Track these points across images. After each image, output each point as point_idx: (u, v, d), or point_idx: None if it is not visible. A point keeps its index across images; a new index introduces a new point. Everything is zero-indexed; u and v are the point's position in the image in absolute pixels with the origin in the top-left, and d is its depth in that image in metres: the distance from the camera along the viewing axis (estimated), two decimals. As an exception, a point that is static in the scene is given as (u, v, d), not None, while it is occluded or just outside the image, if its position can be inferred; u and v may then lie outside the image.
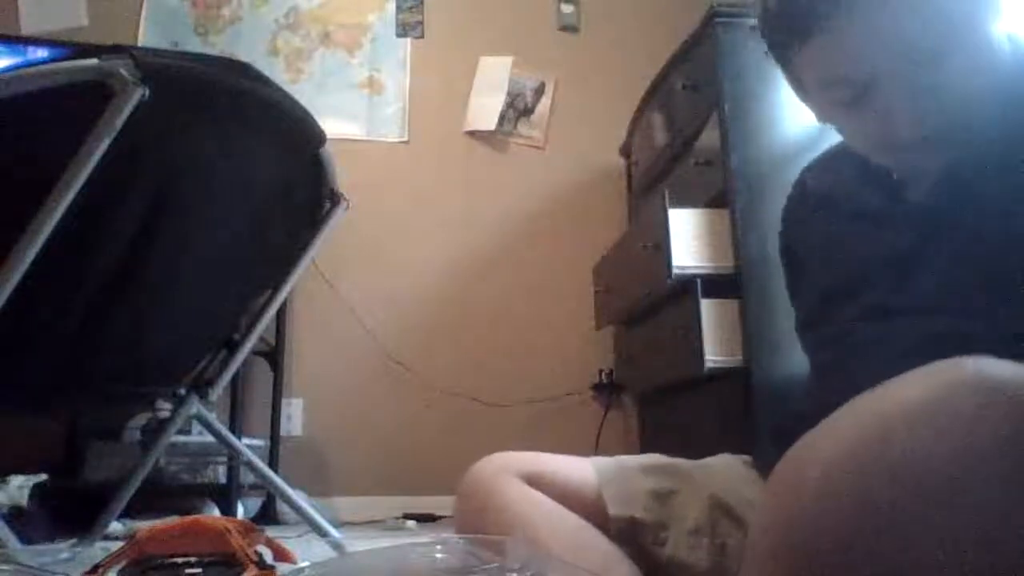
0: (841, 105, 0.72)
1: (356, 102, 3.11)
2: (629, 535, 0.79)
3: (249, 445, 2.15)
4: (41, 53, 2.70)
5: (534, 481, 0.81)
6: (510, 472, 0.82)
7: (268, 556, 0.89)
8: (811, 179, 0.94)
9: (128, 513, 1.79)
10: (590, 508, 0.80)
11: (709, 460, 0.89)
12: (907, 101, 0.67)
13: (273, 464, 2.58)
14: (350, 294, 2.91)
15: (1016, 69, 0.72)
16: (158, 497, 2.12)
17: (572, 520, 0.79)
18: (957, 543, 0.42)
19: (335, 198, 1.70)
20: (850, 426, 0.47)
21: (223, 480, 2.38)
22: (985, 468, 0.42)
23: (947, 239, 0.71)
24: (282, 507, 2.44)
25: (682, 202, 2.02)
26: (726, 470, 0.85)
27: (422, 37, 3.22)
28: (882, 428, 0.45)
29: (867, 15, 0.66)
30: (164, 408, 1.93)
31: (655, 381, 2.45)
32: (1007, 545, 0.42)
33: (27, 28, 2.86)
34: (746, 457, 0.87)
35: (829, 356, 0.81)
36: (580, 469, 0.85)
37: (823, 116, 0.78)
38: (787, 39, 0.73)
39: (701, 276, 1.93)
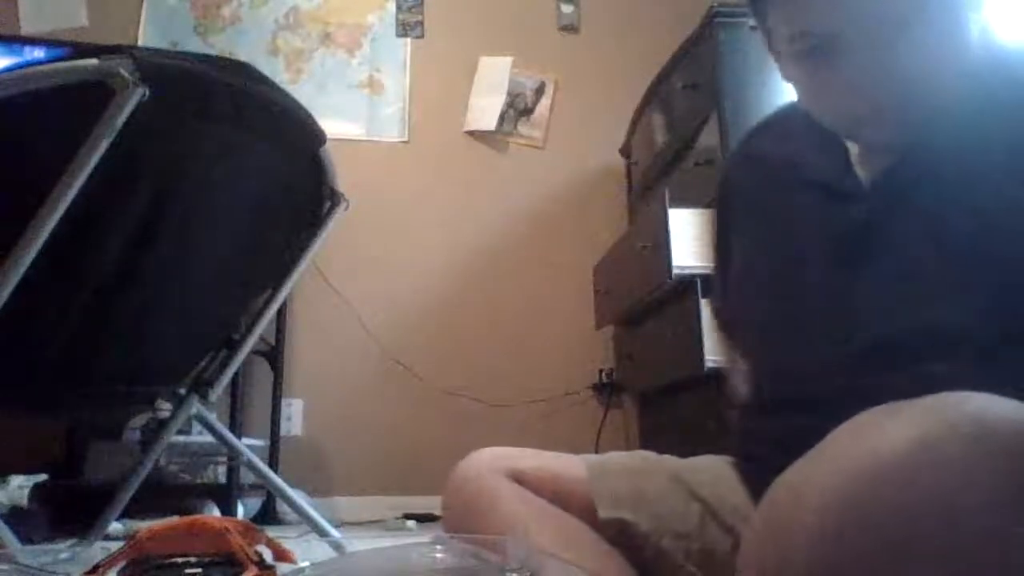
0: (804, 58, 0.72)
1: (356, 102, 3.12)
2: (619, 535, 0.79)
3: (249, 445, 2.15)
4: (38, 53, 2.69)
5: (522, 478, 0.81)
6: (498, 469, 0.82)
7: (268, 556, 0.89)
8: (757, 142, 0.93)
9: (128, 513, 1.79)
10: (580, 505, 0.80)
11: (696, 461, 0.87)
12: (866, 61, 0.68)
13: (273, 464, 2.58)
14: (350, 294, 2.91)
15: (985, 58, 0.72)
16: (158, 497, 2.12)
17: (562, 517, 0.79)
18: None
19: (335, 198, 1.70)
20: (844, 467, 0.46)
21: (223, 480, 2.38)
22: (981, 512, 0.42)
23: (904, 219, 0.70)
24: (282, 507, 2.44)
25: (682, 202, 2.02)
26: (714, 473, 0.84)
27: (422, 37, 3.22)
28: (877, 470, 0.44)
29: None
30: (164, 408, 1.92)
31: (655, 381, 2.45)
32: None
33: (27, 28, 2.86)
34: (729, 458, 0.86)
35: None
36: (569, 466, 0.84)
37: (786, 73, 0.77)
38: None
39: (701, 276, 1.93)
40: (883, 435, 0.46)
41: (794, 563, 0.45)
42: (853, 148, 0.77)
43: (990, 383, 0.59)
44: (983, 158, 0.67)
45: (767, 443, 0.78)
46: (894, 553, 0.42)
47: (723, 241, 0.96)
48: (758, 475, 0.70)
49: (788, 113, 0.88)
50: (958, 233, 0.66)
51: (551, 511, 0.79)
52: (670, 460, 0.87)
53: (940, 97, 0.70)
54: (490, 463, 0.83)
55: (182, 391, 1.70)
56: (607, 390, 2.95)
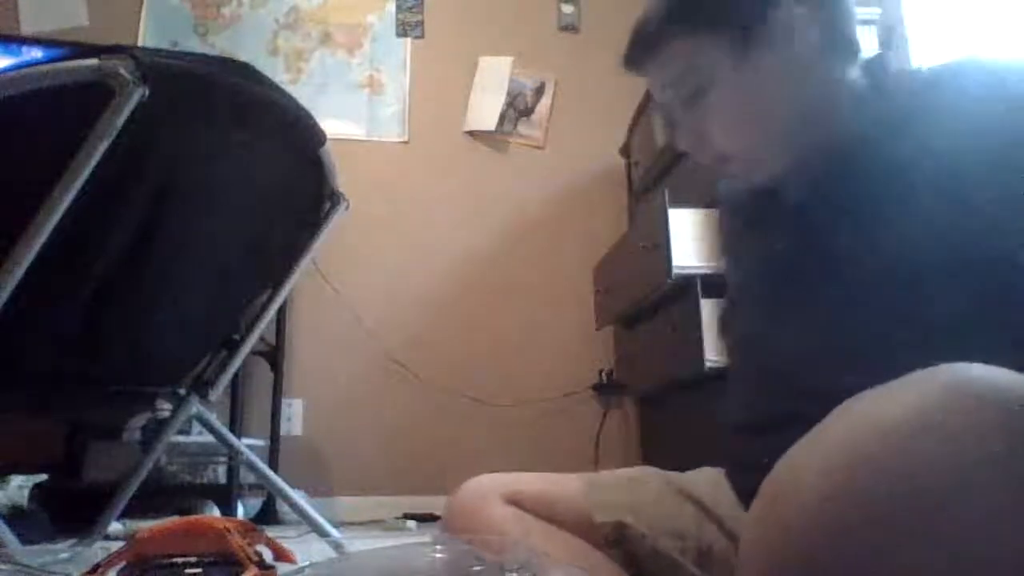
0: (679, 104, 0.81)
1: (356, 102, 3.12)
2: (617, 540, 0.79)
3: (249, 445, 2.15)
4: (36, 53, 2.69)
5: (518, 501, 0.82)
6: (494, 494, 0.82)
7: (268, 556, 0.89)
8: (724, 190, 0.99)
9: (128, 513, 1.79)
10: (576, 522, 0.81)
11: (691, 472, 0.89)
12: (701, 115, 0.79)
13: (273, 464, 2.58)
14: (350, 294, 2.91)
15: (881, 84, 0.77)
16: (158, 497, 2.12)
17: (558, 535, 0.80)
18: (956, 556, 0.41)
19: (335, 198, 1.70)
20: (842, 440, 0.46)
21: (223, 480, 2.38)
22: (979, 478, 0.42)
23: (821, 238, 0.74)
24: (282, 507, 2.44)
25: (682, 202, 2.02)
26: (708, 479, 0.85)
27: (422, 37, 3.22)
28: (876, 439, 0.44)
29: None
30: (164, 408, 1.93)
31: (655, 381, 2.45)
32: (1005, 555, 0.41)
33: (27, 28, 2.86)
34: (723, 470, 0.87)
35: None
36: (563, 485, 0.85)
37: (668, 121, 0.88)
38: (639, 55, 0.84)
39: (701, 276, 1.93)
40: (881, 406, 0.46)
41: (795, 537, 0.45)
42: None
43: None
44: (904, 176, 0.70)
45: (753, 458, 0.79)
46: (896, 521, 0.42)
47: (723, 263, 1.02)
48: (744, 483, 0.70)
49: None
50: (875, 241, 0.69)
51: (547, 529, 0.80)
52: (665, 472, 0.89)
53: (790, 141, 0.77)
54: (485, 489, 0.84)
55: (182, 391, 1.70)
56: (607, 390, 2.95)
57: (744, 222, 0.92)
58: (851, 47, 0.77)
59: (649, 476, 0.87)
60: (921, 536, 0.42)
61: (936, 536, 0.41)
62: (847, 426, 0.47)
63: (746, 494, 0.77)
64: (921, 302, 0.65)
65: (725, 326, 0.94)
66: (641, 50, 0.82)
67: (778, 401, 0.73)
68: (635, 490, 0.83)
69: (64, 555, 1.52)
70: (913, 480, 0.42)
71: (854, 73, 0.77)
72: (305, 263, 1.75)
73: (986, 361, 0.47)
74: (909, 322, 0.64)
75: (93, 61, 1.20)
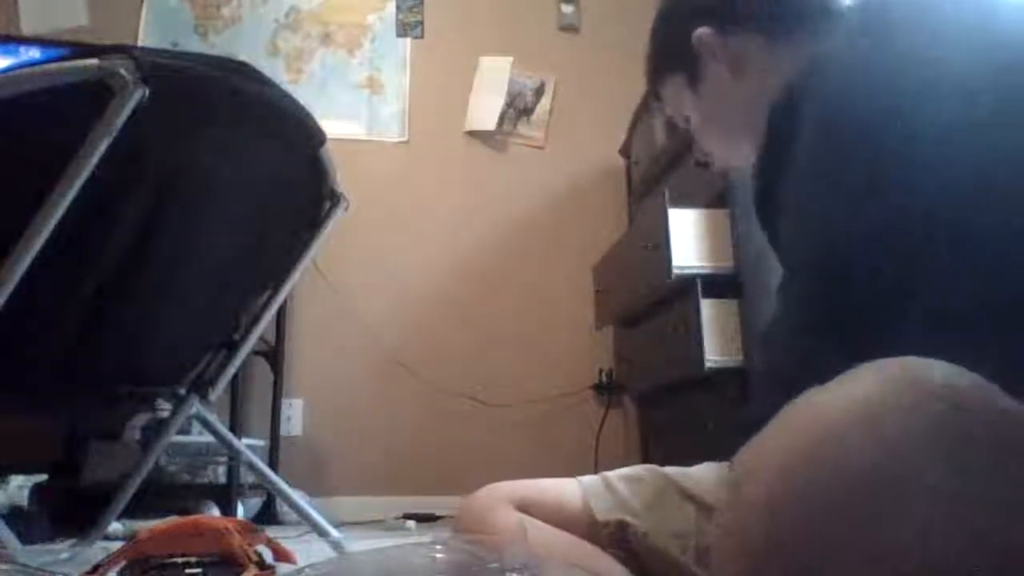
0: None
1: (356, 102, 3.12)
2: (619, 538, 0.80)
3: (249, 445, 2.15)
4: (34, 53, 2.69)
5: (525, 506, 0.84)
6: (502, 501, 0.84)
7: (268, 556, 0.89)
8: None
9: (128, 513, 1.79)
10: (580, 524, 0.82)
11: (691, 468, 0.90)
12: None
13: (273, 464, 2.58)
14: (350, 294, 2.91)
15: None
16: (158, 497, 2.11)
17: (564, 537, 0.81)
18: (906, 535, 0.42)
19: (335, 198, 1.70)
20: (789, 436, 0.47)
21: (223, 480, 2.38)
22: (919, 468, 0.43)
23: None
24: (282, 507, 2.44)
25: (682, 202, 2.02)
26: (709, 476, 0.86)
27: (422, 37, 3.22)
28: (817, 434, 0.45)
29: None
30: (164, 408, 1.93)
31: (655, 381, 2.45)
32: (956, 530, 0.42)
33: (27, 28, 2.86)
34: (727, 464, 0.88)
35: None
36: (567, 488, 0.87)
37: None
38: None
39: (701, 276, 1.93)
40: (823, 402, 0.47)
41: (752, 536, 0.45)
42: None
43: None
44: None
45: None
46: (839, 516, 0.43)
47: None
48: None
49: None
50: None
51: (553, 533, 0.82)
52: (666, 468, 0.90)
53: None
54: (493, 496, 0.86)
55: (182, 391, 1.70)
56: (607, 390, 2.95)
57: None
58: (806, 20, 0.77)
59: (650, 474, 0.88)
60: (865, 522, 0.42)
61: (880, 524, 0.42)
62: (797, 417, 0.48)
63: None
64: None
65: None
66: (650, 88, 0.99)
67: None
68: (636, 489, 0.84)
69: (64, 555, 1.52)
70: (850, 469, 0.43)
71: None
72: (305, 263, 1.75)
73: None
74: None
75: (93, 61, 1.20)
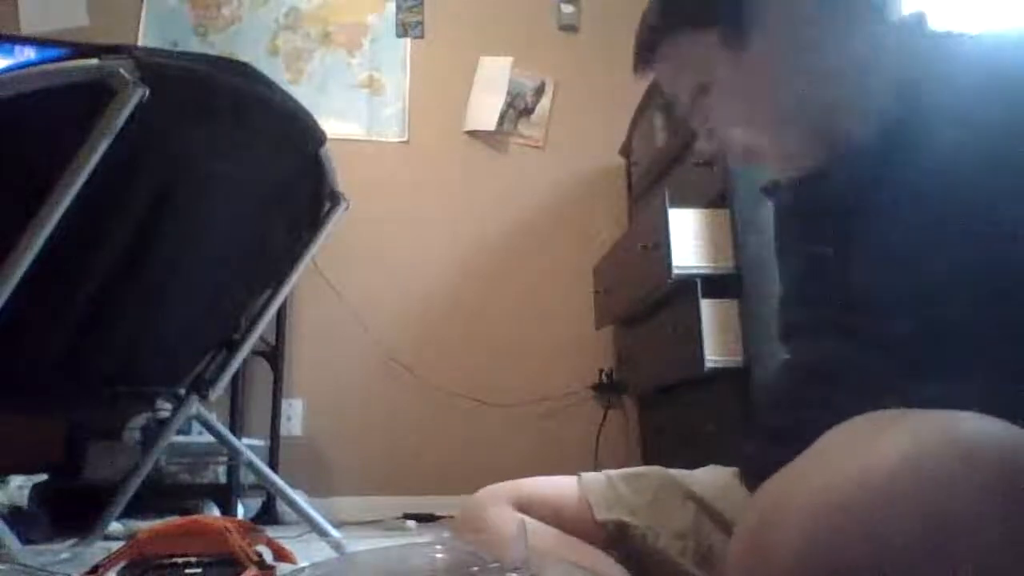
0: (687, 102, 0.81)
1: (356, 102, 3.12)
2: (618, 538, 0.80)
3: (249, 445, 2.15)
4: (30, 53, 2.69)
5: (525, 506, 0.83)
6: (502, 501, 0.84)
7: (268, 556, 0.89)
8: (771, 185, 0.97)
9: (128, 513, 1.79)
10: (580, 523, 0.82)
11: (696, 470, 0.89)
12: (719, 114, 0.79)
13: (273, 464, 2.58)
14: (350, 294, 2.91)
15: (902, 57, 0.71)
16: (158, 497, 2.12)
17: (563, 539, 0.81)
18: None
19: (335, 198, 1.70)
20: (831, 478, 0.45)
21: (223, 480, 2.38)
22: (968, 534, 0.41)
23: (862, 230, 0.71)
24: (282, 507, 2.44)
25: (682, 202, 2.02)
26: (710, 477, 0.86)
27: (422, 37, 3.22)
28: (862, 488, 0.43)
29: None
30: (164, 408, 1.93)
31: (655, 381, 2.44)
32: None
33: (27, 28, 2.86)
34: (734, 469, 0.87)
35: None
36: (567, 487, 0.86)
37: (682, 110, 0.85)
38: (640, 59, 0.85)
39: (701, 276, 1.93)
40: (870, 452, 0.45)
41: (775, 571, 0.44)
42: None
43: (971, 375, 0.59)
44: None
45: (765, 436, 0.79)
46: (877, 573, 0.42)
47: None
48: (757, 468, 0.70)
49: None
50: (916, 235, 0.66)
51: (552, 533, 0.81)
52: (669, 470, 0.89)
53: (808, 127, 0.73)
54: (493, 496, 0.85)
55: (182, 391, 1.70)
56: (607, 390, 2.95)
57: (791, 213, 0.88)
58: (864, 7, 0.72)
59: (651, 474, 0.87)
60: None
61: None
62: (838, 464, 0.46)
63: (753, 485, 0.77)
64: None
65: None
66: (641, 54, 0.82)
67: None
68: (636, 489, 0.84)
69: (64, 555, 1.52)
70: (890, 544, 0.41)
71: (885, 36, 0.71)
72: (305, 263, 1.75)
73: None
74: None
75: (93, 61, 1.20)
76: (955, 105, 0.65)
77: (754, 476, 0.79)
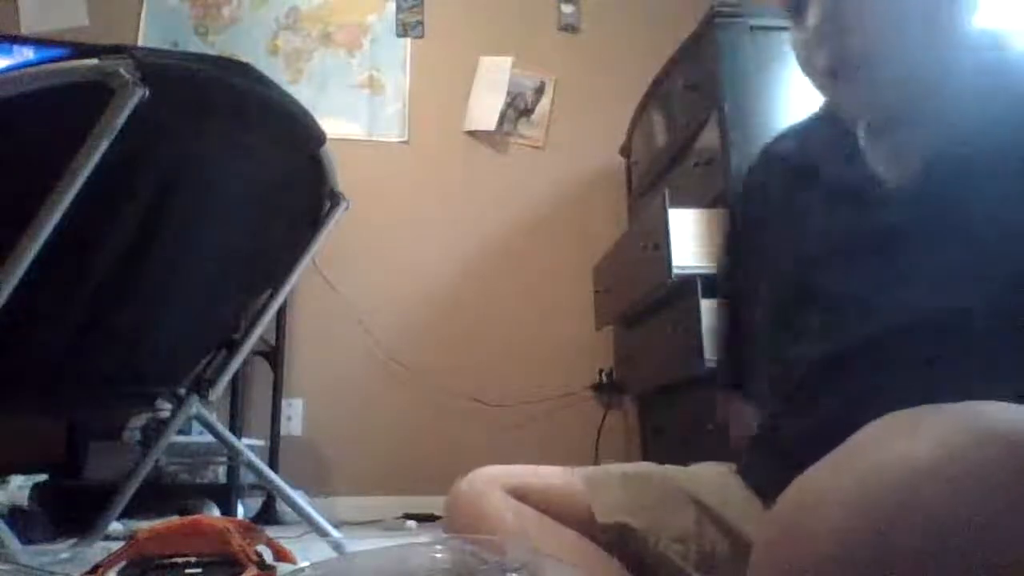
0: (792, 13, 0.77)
1: (356, 102, 3.12)
2: (619, 541, 0.79)
3: (249, 445, 2.15)
4: (28, 53, 2.69)
5: (521, 494, 0.81)
6: (497, 486, 0.81)
7: (268, 556, 0.89)
8: (777, 147, 0.94)
9: (128, 513, 1.79)
10: (579, 518, 0.80)
11: (693, 468, 0.88)
12: (829, 10, 0.73)
13: (273, 464, 2.58)
14: (350, 294, 2.91)
15: (992, 62, 0.73)
16: (158, 497, 2.12)
17: (561, 531, 0.79)
18: None
19: (335, 198, 1.70)
20: (868, 478, 0.45)
21: (223, 480, 2.38)
22: (1013, 526, 0.41)
23: (935, 224, 0.70)
24: (282, 507, 2.44)
25: (682, 202, 2.02)
26: (712, 477, 0.85)
27: (422, 37, 3.22)
28: (902, 482, 0.43)
29: None
30: (164, 408, 1.93)
31: (655, 381, 2.44)
32: None
33: (27, 28, 2.86)
34: (731, 464, 0.87)
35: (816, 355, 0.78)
36: (566, 480, 0.84)
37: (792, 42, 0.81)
38: None
39: (701, 276, 1.93)
40: (909, 445, 0.45)
41: (809, 567, 0.44)
42: (873, 151, 0.78)
43: (989, 369, 0.59)
44: (1009, 148, 0.68)
45: (777, 440, 0.79)
46: (919, 567, 0.42)
47: (738, 230, 0.99)
48: (769, 478, 0.70)
49: (809, 123, 0.91)
50: (986, 225, 0.67)
51: (550, 525, 0.80)
52: (667, 468, 0.88)
53: (919, 64, 0.73)
54: (488, 480, 0.83)
55: (182, 391, 1.70)
56: (607, 390, 2.95)
57: (787, 196, 0.87)
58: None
59: (651, 474, 0.86)
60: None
61: None
62: (870, 460, 0.46)
63: (764, 490, 0.76)
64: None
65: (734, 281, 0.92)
66: None
67: (872, 375, 0.71)
68: (636, 490, 0.83)
69: (64, 555, 1.52)
70: (936, 529, 0.42)
71: (970, 29, 0.74)
72: (305, 263, 1.75)
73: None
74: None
75: (93, 61, 1.20)
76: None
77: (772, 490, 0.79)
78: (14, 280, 1.21)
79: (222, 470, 2.39)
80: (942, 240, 0.69)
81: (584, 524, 0.80)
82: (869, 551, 0.42)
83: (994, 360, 0.63)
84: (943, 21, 0.73)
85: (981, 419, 0.45)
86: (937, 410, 0.47)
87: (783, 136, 0.95)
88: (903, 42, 0.73)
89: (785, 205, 0.86)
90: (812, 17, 0.74)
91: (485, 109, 3.18)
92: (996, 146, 0.68)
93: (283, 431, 2.73)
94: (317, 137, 1.58)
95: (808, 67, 0.78)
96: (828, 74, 0.76)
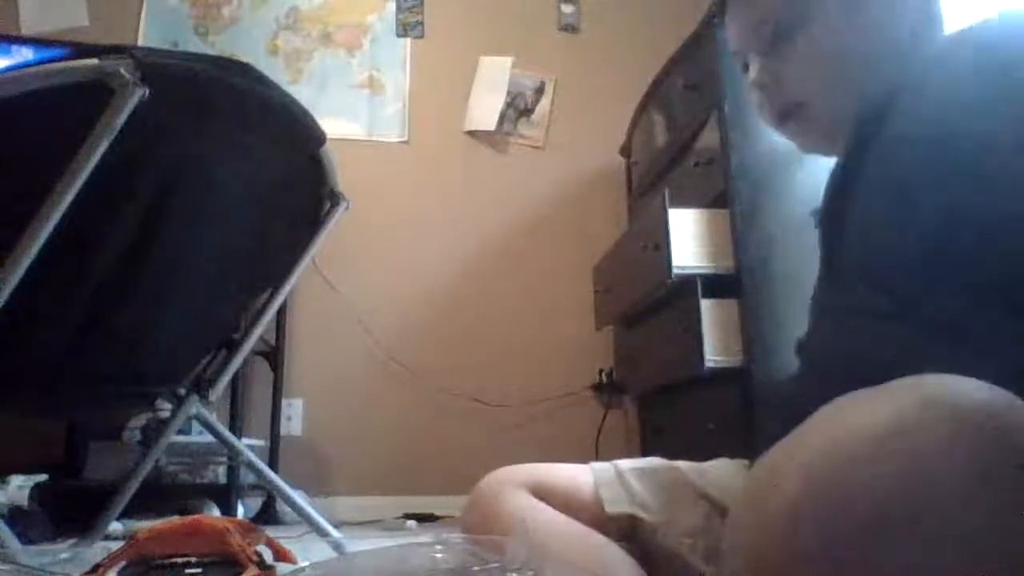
0: (762, 47, 0.82)
1: (356, 102, 3.12)
2: (628, 532, 0.80)
3: (249, 445, 2.15)
4: (27, 53, 2.69)
5: (537, 491, 0.83)
6: (514, 484, 0.84)
7: (268, 556, 0.89)
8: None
9: (128, 513, 1.79)
10: (591, 513, 0.82)
11: (706, 463, 0.89)
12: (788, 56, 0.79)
13: (273, 464, 2.58)
14: (350, 294, 2.91)
15: (949, 41, 0.75)
16: (158, 497, 2.12)
17: (574, 527, 0.80)
18: (923, 571, 0.42)
19: (335, 198, 1.70)
20: (819, 447, 0.47)
21: (223, 480, 2.38)
22: (952, 490, 0.42)
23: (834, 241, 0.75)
24: (282, 507, 2.44)
25: (682, 202, 2.02)
26: (722, 472, 0.86)
27: (422, 37, 3.22)
28: (850, 449, 0.45)
29: None
30: (164, 408, 1.93)
31: (655, 381, 2.44)
32: (997, 561, 0.41)
33: (27, 28, 2.86)
34: (744, 461, 0.87)
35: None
36: (580, 475, 0.87)
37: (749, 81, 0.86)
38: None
39: (701, 276, 1.93)
40: (857, 416, 0.47)
41: (772, 542, 0.45)
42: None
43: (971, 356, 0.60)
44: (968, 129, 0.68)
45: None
46: (867, 532, 0.43)
47: None
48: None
49: None
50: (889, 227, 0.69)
51: (564, 521, 0.81)
52: (677, 463, 0.89)
53: (854, 93, 0.76)
54: (505, 479, 0.86)
55: (182, 391, 1.70)
56: (607, 390, 2.95)
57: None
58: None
59: (662, 470, 0.87)
60: (886, 551, 0.42)
61: (902, 552, 0.42)
62: (828, 430, 0.48)
63: None
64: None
65: None
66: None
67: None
68: (648, 484, 0.84)
69: (64, 555, 1.52)
70: (882, 493, 0.43)
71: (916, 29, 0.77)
72: (305, 263, 1.75)
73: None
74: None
75: (93, 61, 1.20)
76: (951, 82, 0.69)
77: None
78: (14, 280, 1.21)
79: (222, 470, 2.39)
80: (846, 254, 0.73)
81: (594, 517, 0.81)
82: (821, 523, 0.44)
83: (972, 344, 0.64)
84: (883, 51, 0.76)
85: (930, 388, 0.47)
86: (887, 386, 0.49)
87: None
88: (838, 85, 0.78)
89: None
90: (752, 72, 0.82)
91: (485, 109, 3.18)
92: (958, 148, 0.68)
93: (283, 431, 2.73)
94: (317, 137, 1.58)
95: (760, 115, 0.86)
96: (774, 120, 0.83)
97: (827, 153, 0.83)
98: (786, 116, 0.82)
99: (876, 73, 0.76)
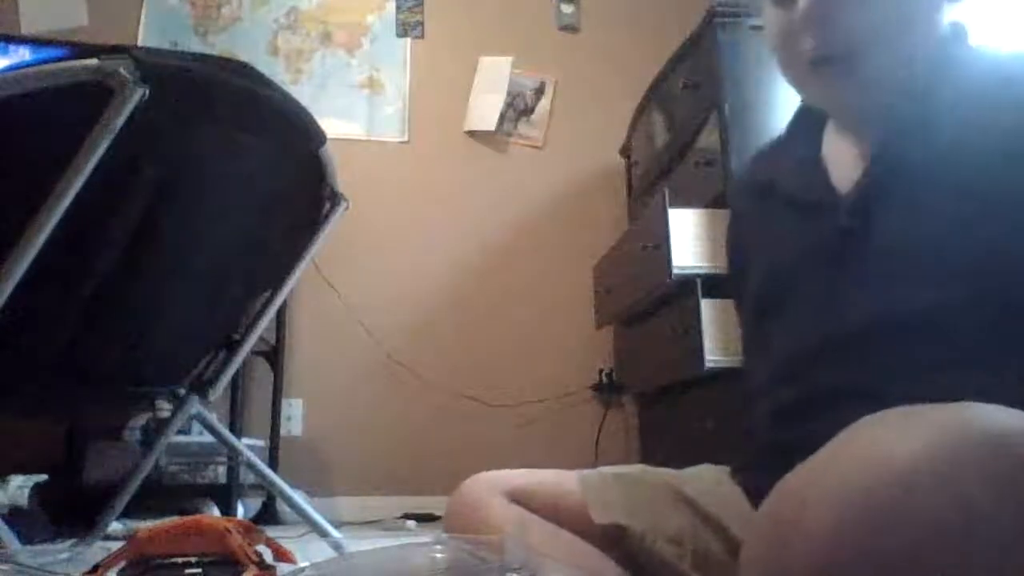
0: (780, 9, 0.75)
1: (356, 102, 3.12)
2: (615, 540, 0.79)
3: (249, 445, 2.15)
4: (25, 53, 2.68)
5: (521, 498, 0.81)
6: (497, 491, 0.81)
7: (268, 556, 0.89)
8: (755, 167, 0.95)
9: (128, 513, 1.79)
10: (577, 520, 0.80)
11: (689, 470, 0.88)
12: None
13: (273, 464, 2.58)
14: (350, 294, 2.91)
15: (960, 51, 0.74)
16: (158, 497, 2.12)
17: (560, 535, 0.79)
18: None
19: (335, 198, 1.70)
20: (851, 479, 0.45)
21: (223, 480, 2.38)
22: (992, 527, 0.41)
23: (884, 220, 0.71)
24: (282, 507, 2.44)
25: (682, 202, 2.02)
26: (707, 479, 0.85)
27: (422, 37, 3.22)
28: (884, 483, 0.43)
29: None
30: (164, 408, 1.93)
31: (655, 381, 2.44)
32: None
33: (27, 28, 2.86)
34: (726, 468, 0.87)
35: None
36: (565, 483, 0.84)
37: (766, 19, 0.79)
38: None
39: (701, 276, 1.93)
40: (891, 447, 0.45)
41: (797, 565, 0.44)
42: (833, 165, 0.79)
43: (974, 369, 0.59)
44: (972, 144, 0.68)
45: (767, 447, 0.79)
46: (901, 569, 0.42)
47: (734, 252, 0.99)
48: (757, 480, 0.70)
49: (776, 141, 0.91)
50: (943, 221, 0.67)
51: (549, 529, 0.80)
52: (663, 471, 0.88)
53: (900, 63, 0.72)
54: (487, 485, 0.83)
55: (182, 391, 1.70)
56: (607, 390, 2.95)
57: (760, 216, 0.88)
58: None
59: (646, 475, 0.86)
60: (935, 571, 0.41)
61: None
62: (858, 459, 0.46)
63: (759, 494, 0.77)
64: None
65: (746, 303, 0.92)
66: None
67: (834, 375, 0.72)
68: (632, 491, 0.83)
69: (64, 555, 1.52)
70: (917, 529, 0.42)
71: (946, 23, 0.74)
72: (305, 263, 1.75)
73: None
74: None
75: (93, 61, 1.20)
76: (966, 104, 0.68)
77: (755, 469, 0.79)
78: (14, 280, 1.21)
79: (222, 470, 2.39)
80: (891, 243, 0.70)
81: (582, 527, 0.80)
82: (858, 551, 0.42)
83: (961, 353, 0.64)
84: (940, 26, 0.73)
85: (969, 418, 0.46)
86: (922, 410, 0.48)
87: (756, 158, 0.95)
88: (899, 37, 0.72)
89: (759, 227, 0.88)
90: (802, 3, 0.72)
91: (485, 109, 3.18)
92: (967, 152, 0.68)
93: (283, 431, 2.74)
94: (317, 137, 1.58)
95: (788, 57, 0.77)
96: (811, 63, 0.73)
97: (843, 118, 0.79)
98: (825, 62, 0.73)
99: (926, 50, 0.72)
